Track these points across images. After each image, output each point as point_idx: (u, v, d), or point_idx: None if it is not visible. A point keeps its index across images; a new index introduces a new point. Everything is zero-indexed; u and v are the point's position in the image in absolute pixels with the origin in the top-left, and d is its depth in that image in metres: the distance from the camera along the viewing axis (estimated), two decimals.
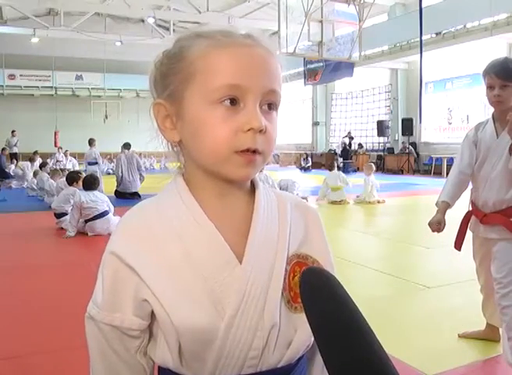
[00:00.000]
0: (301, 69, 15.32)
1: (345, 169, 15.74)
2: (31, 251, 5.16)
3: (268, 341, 0.70)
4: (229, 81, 0.66)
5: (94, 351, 0.74)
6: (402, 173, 16.88)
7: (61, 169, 11.14)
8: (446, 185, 2.45)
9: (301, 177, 13.99)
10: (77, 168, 14.55)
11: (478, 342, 2.63)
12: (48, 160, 15.17)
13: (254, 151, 0.68)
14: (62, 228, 6.17)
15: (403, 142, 17.67)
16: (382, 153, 18.63)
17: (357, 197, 9.11)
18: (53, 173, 8.80)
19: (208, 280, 0.69)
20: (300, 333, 0.72)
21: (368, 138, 20.02)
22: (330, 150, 20.73)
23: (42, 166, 10.98)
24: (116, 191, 9.61)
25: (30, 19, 18.95)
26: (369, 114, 20.01)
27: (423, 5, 11.19)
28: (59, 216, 6.37)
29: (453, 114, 16.50)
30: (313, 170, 18.90)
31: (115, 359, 0.73)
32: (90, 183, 6.10)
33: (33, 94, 24.91)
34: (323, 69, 14.84)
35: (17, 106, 24.57)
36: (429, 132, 17.43)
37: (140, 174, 9.75)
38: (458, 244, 2.46)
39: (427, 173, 16.56)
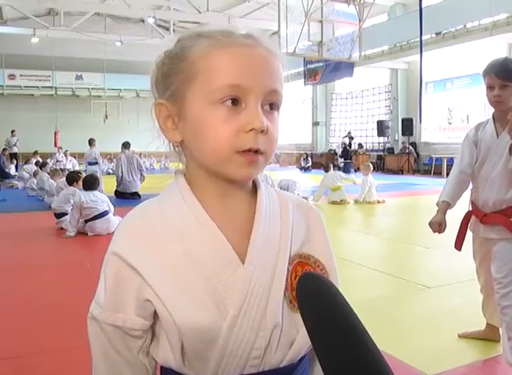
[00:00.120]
0: (301, 69, 15.31)
1: (345, 169, 15.75)
2: (31, 251, 5.15)
3: (271, 340, 0.70)
4: (231, 81, 0.66)
5: (97, 351, 0.74)
6: (402, 173, 16.89)
7: (61, 169, 11.11)
8: (447, 185, 2.44)
9: (301, 177, 13.97)
10: (77, 168, 14.53)
11: (478, 342, 2.63)
12: (48, 160, 15.17)
13: (256, 152, 0.68)
14: (62, 228, 6.16)
15: (403, 142, 17.68)
16: (382, 153, 18.65)
17: (355, 201, 9.00)
18: (53, 173, 8.79)
19: (210, 279, 0.69)
20: (303, 333, 0.71)
21: (368, 138, 20.01)
22: (330, 150, 20.75)
23: (42, 166, 10.97)
24: (116, 191, 9.61)
25: (30, 19, 18.97)
26: (369, 114, 20.01)
27: (423, 5, 11.19)
28: (59, 216, 6.37)
29: (453, 114, 16.51)
30: (313, 170, 18.88)
31: (118, 359, 0.73)
32: (90, 183, 6.10)
33: (33, 94, 24.94)
34: (323, 69, 14.83)
35: (17, 106, 24.60)
36: (429, 132, 17.43)
37: (141, 174, 9.75)
38: (458, 244, 2.46)
39: (427, 173, 16.57)
